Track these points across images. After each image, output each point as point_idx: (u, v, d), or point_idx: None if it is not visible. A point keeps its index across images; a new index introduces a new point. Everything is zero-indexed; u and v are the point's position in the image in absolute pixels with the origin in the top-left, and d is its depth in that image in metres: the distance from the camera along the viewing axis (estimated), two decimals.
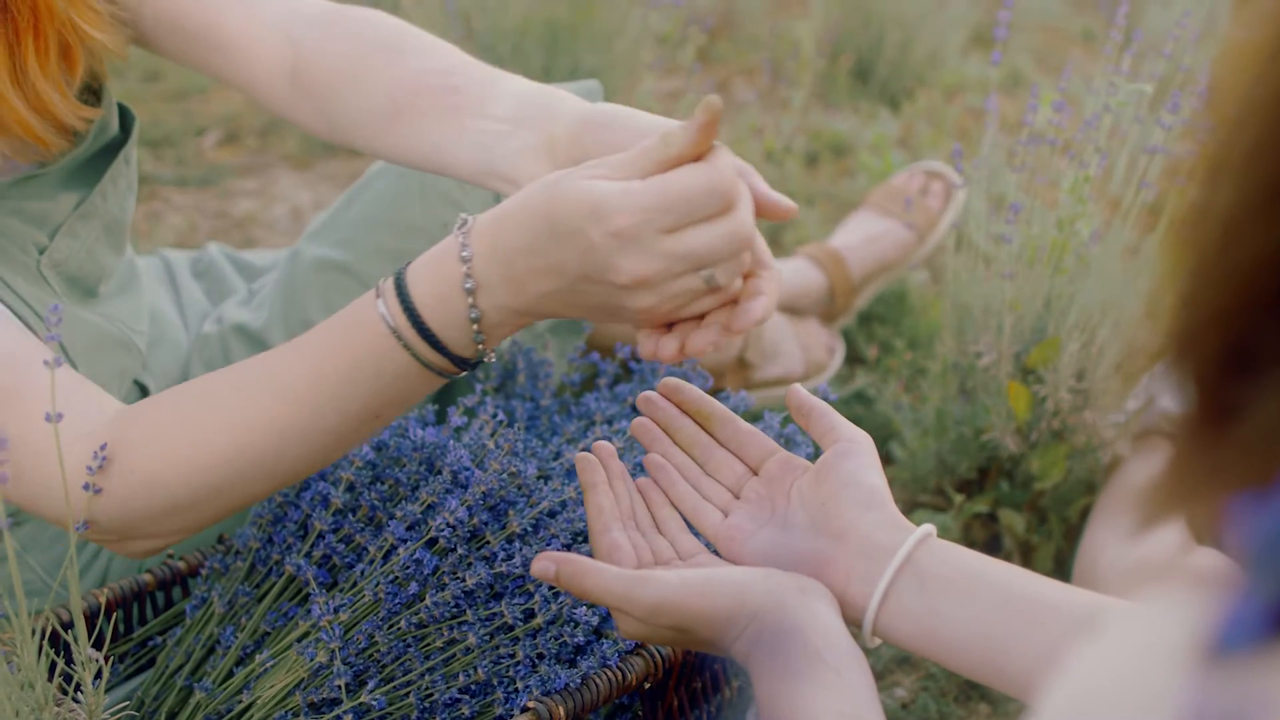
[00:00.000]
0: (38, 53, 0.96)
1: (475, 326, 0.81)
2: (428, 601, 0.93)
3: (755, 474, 0.90)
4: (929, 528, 0.80)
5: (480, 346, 0.83)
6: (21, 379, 0.90)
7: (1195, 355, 0.41)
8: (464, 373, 0.85)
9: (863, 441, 0.86)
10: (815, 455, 0.90)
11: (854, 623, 0.79)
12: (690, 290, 0.77)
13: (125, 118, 1.14)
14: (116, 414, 0.91)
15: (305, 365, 0.86)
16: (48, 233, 1.06)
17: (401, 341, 0.83)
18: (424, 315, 0.82)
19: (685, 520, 0.89)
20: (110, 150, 1.12)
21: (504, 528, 0.96)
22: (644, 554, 0.85)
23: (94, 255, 1.10)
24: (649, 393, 0.93)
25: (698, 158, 0.76)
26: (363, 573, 0.96)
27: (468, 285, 0.80)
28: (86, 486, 0.88)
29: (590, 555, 0.89)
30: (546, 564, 0.81)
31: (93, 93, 1.08)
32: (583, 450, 0.92)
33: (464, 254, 0.80)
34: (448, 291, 0.81)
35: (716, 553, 0.87)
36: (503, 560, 0.94)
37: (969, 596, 0.76)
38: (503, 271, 0.79)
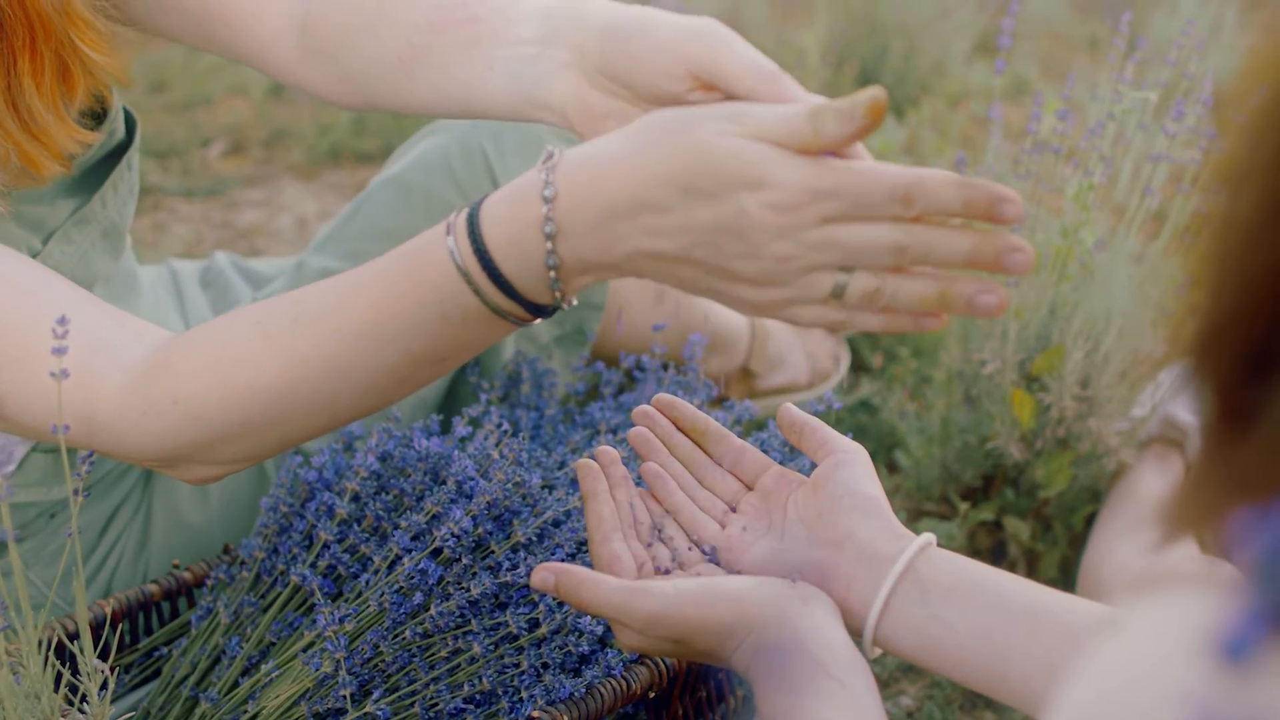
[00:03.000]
0: (34, 73, 0.92)
1: (552, 273, 0.74)
2: (433, 611, 0.93)
3: (750, 490, 0.90)
4: (929, 536, 0.80)
5: (557, 294, 0.75)
6: (41, 309, 0.86)
7: (1215, 360, 0.42)
8: (538, 320, 0.78)
9: (857, 453, 0.86)
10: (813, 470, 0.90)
11: (854, 632, 0.79)
12: (812, 290, 0.71)
13: (128, 122, 1.12)
14: (164, 341, 0.87)
15: (366, 302, 0.79)
16: (42, 237, 1.04)
17: (470, 284, 0.75)
18: (495, 258, 0.74)
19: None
20: (114, 155, 1.11)
21: (509, 537, 0.96)
22: (644, 564, 0.85)
23: (88, 261, 1.08)
24: (644, 406, 0.93)
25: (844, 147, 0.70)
26: (368, 583, 0.96)
27: (548, 229, 0.72)
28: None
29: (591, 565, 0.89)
30: (546, 575, 0.80)
31: (94, 116, 1.06)
32: (586, 458, 0.91)
33: (546, 192, 0.72)
34: (523, 233, 0.73)
35: (717, 562, 0.87)
36: (507, 570, 0.94)
37: (970, 605, 0.76)
38: (595, 220, 0.72)
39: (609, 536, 0.85)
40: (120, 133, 1.10)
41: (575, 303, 0.79)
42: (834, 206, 0.68)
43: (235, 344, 0.84)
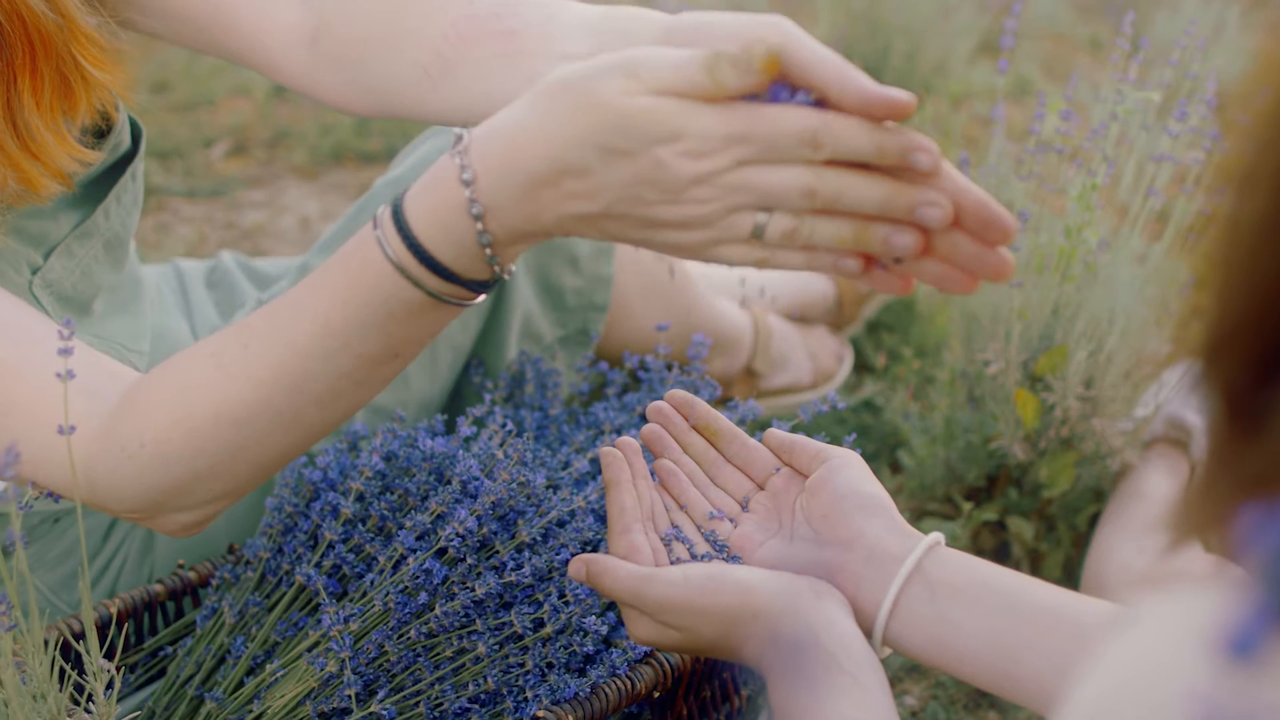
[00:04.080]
0: (34, 90, 0.90)
1: (488, 250, 0.75)
2: (437, 611, 0.93)
3: (761, 489, 0.90)
4: (937, 535, 0.80)
5: (496, 268, 0.77)
6: (29, 357, 0.87)
7: (1224, 364, 0.41)
8: (481, 297, 0.79)
9: (852, 456, 0.86)
10: None
11: (864, 631, 0.79)
12: (734, 230, 0.71)
13: (133, 130, 1.10)
14: (133, 382, 0.87)
15: (310, 316, 0.80)
16: (43, 252, 1.03)
17: (409, 278, 0.76)
18: (428, 247, 0.75)
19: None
20: (119, 166, 1.09)
21: (513, 537, 0.96)
22: (661, 557, 0.86)
23: (90, 274, 1.07)
24: (659, 403, 0.93)
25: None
26: (372, 582, 0.96)
27: (475, 210, 0.73)
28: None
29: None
30: (580, 565, 0.84)
31: (98, 133, 1.04)
32: (605, 448, 0.91)
33: (465, 176, 0.73)
34: (451, 218, 0.74)
35: (730, 560, 0.87)
36: (512, 570, 0.94)
37: (979, 604, 0.76)
38: (519, 192, 0.72)
39: (629, 527, 0.86)
40: (125, 143, 1.09)
41: (515, 269, 0.79)
42: (747, 150, 0.69)
43: (193, 377, 0.84)
